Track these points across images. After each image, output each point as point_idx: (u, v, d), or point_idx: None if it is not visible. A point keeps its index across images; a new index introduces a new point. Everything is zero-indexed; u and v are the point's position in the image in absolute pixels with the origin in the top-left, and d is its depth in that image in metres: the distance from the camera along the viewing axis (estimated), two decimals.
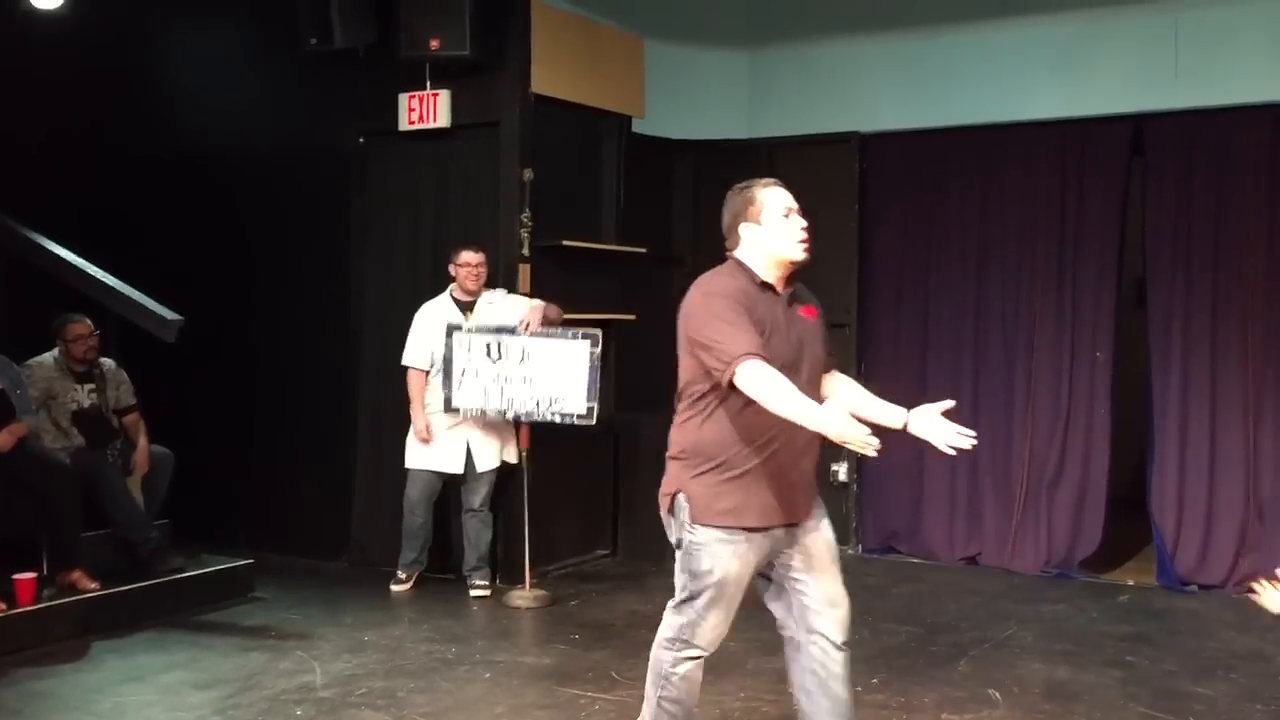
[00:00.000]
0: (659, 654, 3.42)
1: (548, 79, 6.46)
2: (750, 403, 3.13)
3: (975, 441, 3.14)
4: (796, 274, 3.39)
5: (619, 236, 7.06)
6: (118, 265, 6.43)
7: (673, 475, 3.37)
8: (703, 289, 3.30)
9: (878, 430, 3.04)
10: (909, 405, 3.29)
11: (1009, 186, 6.93)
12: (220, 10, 7.22)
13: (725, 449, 3.24)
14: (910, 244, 7.22)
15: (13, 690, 4.61)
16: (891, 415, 3.33)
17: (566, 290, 6.56)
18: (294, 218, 7.06)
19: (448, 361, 6.01)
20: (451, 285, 6.18)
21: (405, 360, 6.17)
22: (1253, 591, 3.16)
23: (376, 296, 6.84)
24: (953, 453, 3.19)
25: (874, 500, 7.32)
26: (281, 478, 6.98)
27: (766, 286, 3.32)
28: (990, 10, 6.93)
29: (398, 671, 4.90)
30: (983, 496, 6.97)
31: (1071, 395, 6.72)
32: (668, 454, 3.40)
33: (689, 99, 7.65)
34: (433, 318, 6.13)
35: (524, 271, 6.37)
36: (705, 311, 3.22)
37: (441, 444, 6.10)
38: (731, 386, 3.12)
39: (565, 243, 6.55)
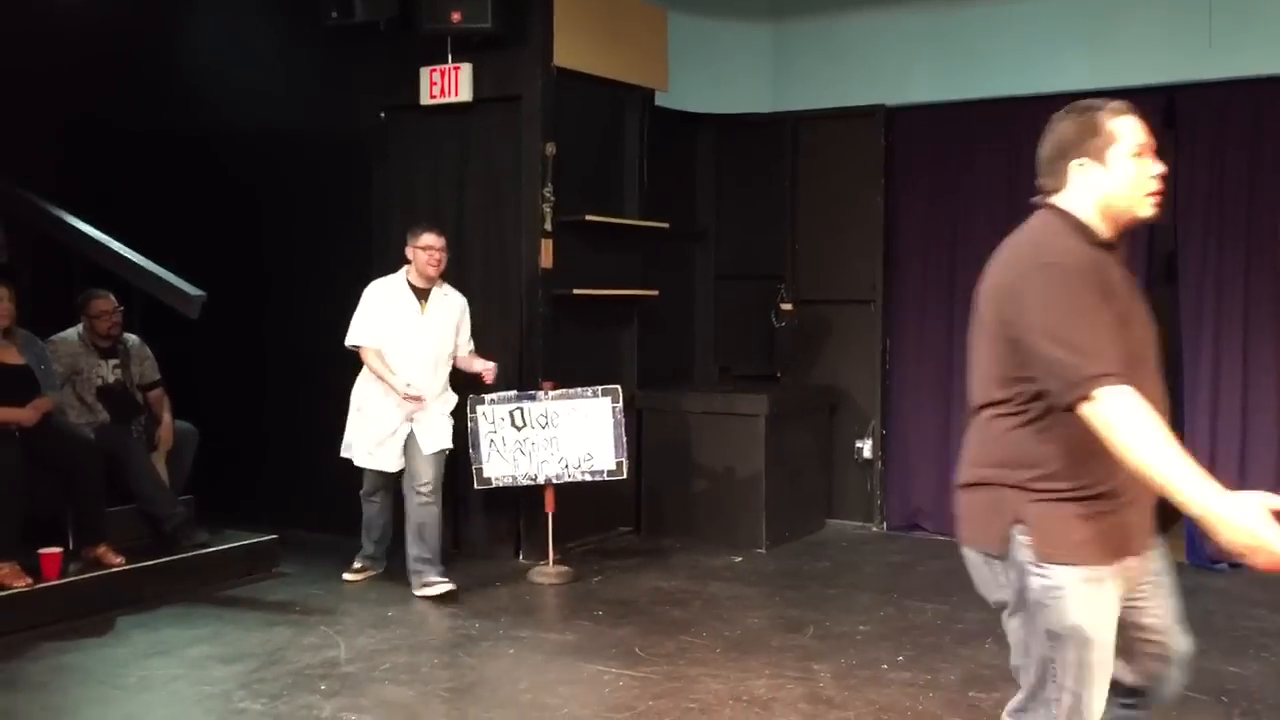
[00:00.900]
0: None
1: (570, 52, 6.39)
2: None
3: None
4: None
5: (641, 211, 7.00)
6: (138, 243, 6.44)
7: (993, 502, 2.46)
8: (1039, 255, 2.39)
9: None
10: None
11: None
12: None
13: (1083, 461, 2.35)
14: (937, 219, 7.12)
15: (39, 664, 4.64)
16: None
17: (588, 266, 6.52)
18: (315, 194, 7.04)
19: (474, 434, 5.94)
20: (406, 268, 5.73)
21: (352, 340, 5.67)
22: None
23: None
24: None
25: (899, 478, 7.24)
26: (305, 453, 6.98)
27: (1108, 247, 2.46)
28: None
29: (422, 647, 4.91)
30: None
31: None
32: (972, 472, 2.56)
33: (712, 72, 7.57)
34: (385, 299, 5.68)
35: (546, 247, 6.33)
36: (1053, 294, 2.31)
37: (385, 445, 5.74)
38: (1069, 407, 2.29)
39: (588, 218, 6.51)
